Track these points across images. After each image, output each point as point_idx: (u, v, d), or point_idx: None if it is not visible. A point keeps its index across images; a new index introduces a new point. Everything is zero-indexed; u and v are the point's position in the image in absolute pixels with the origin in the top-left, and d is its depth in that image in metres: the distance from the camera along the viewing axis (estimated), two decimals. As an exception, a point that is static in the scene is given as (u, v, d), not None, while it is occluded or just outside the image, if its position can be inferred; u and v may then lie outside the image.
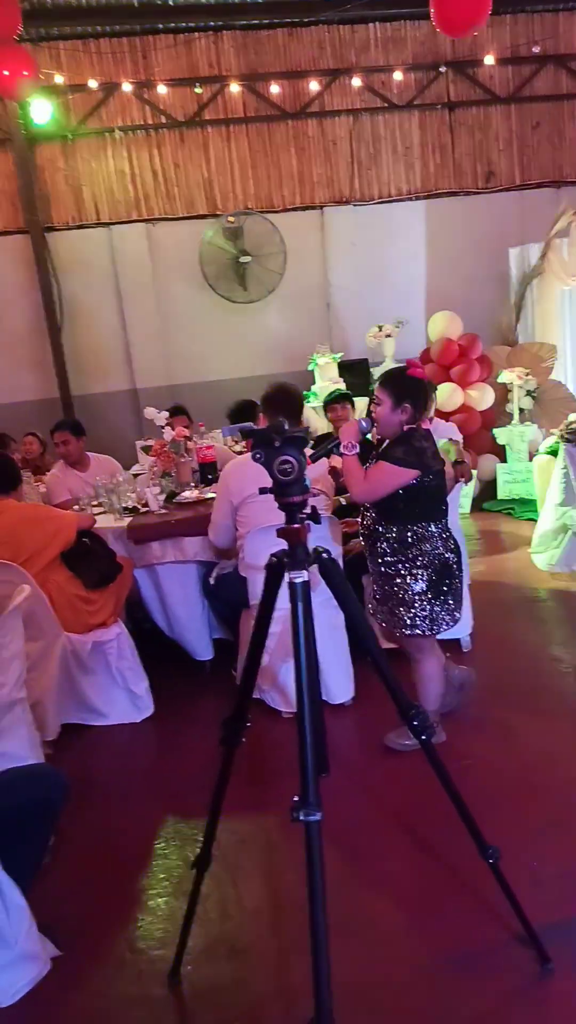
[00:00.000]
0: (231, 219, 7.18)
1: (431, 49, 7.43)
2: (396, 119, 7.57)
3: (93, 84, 6.84)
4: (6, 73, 5.04)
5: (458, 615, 2.86)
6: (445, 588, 2.78)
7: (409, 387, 2.70)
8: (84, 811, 2.75)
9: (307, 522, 1.55)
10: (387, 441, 2.77)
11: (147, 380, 7.45)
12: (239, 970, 2.02)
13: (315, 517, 1.56)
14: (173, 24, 6.90)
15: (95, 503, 4.18)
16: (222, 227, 7.18)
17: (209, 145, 7.37)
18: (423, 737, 1.70)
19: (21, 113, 6.67)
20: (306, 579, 1.53)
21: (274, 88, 7.18)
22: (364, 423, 2.77)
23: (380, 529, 2.78)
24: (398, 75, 7.29)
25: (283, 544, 1.55)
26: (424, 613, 2.77)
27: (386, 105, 7.48)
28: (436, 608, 2.77)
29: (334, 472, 3.25)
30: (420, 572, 2.74)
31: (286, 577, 1.54)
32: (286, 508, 1.54)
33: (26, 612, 2.65)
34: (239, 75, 7.12)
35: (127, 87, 6.90)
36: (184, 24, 6.93)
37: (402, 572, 2.75)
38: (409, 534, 2.73)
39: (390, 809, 2.64)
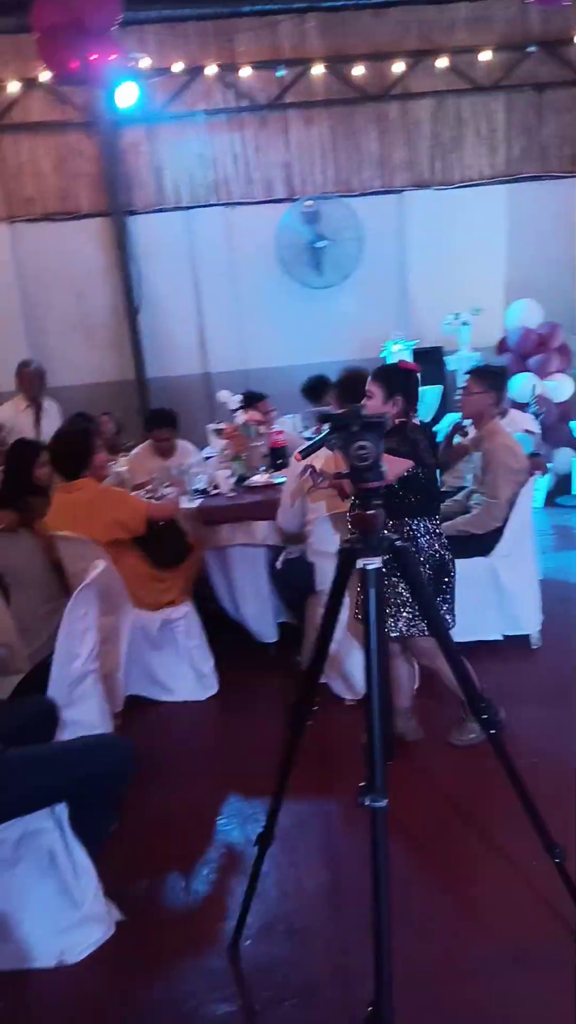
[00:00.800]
0: (309, 203, 7.14)
1: (520, 29, 7.18)
2: (481, 101, 7.37)
3: (178, 68, 6.88)
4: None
5: (453, 617, 2.81)
6: (443, 586, 2.76)
7: (400, 380, 2.70)
8: (148, 783, 2.82)
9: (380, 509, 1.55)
10: None
11: (220, 364, 7.50)
12: (296, 949, 2.04)
13: (390, 504, 1.56)
14: (259, 7, 6.87)
15: (167, 484, 4.25)
16: (300, 211, 7.14)
17: (289, 128, 7.33)
18: (492, 731, 1.68)
19: (107, 97, 6.77)
20: (379, 566, 1.52)
21: (357, 70, 7.08)
22: None
23: None
24: (485, 55, 7.09)
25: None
26: (412, 611, 2.72)
27: (471, 87, 7.28)
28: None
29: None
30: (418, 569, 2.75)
31: (358, 563, 1.55)
32: (361, 494, 1.54)
33: (100, 587, 2.73)
34: (322, 57, 7.05)
35: (211, 70, 6.91)
36: (269, 7, 6.88)
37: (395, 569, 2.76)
38: (405, 529, 2.72)
39: (452, 800, 2.63)
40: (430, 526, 2.74)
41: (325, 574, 2.83)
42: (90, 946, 2.04)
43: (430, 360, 6.64)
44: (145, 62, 6.82)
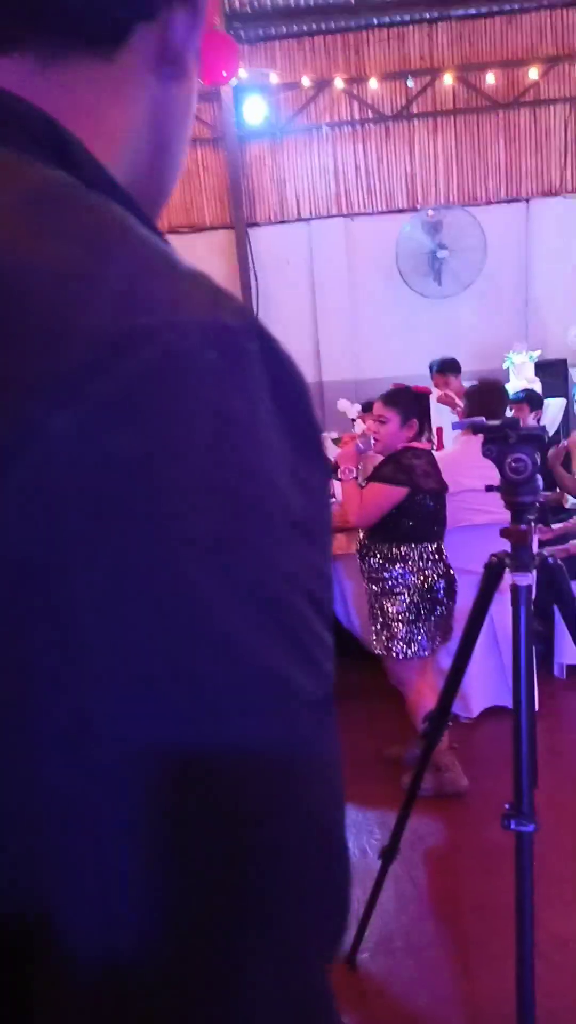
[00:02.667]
0: (431, 212, 7.07)
1: None
2: (618, 105, 7.11)
3: (306, 82, 6.98)
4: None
5: (436, 644, 2.77)
6: (424, 613, 2.71)
7: (417, 404, 2.72)
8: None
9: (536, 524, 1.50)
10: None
11: (333, 373, 7.53)
12: (415, 968, 2.00)
13: (545, 519, 1.51)
14: (388, 19, 6.89)
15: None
16: (421, 221, 7.09)
17: (414, 139, 7.29)
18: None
19: (236, 113, 6.95)
20: (530, 582, 1.48)
21: (489, 78, 6.97)
22: (361, 444, 2.80)
23: (370, 544, 2.75)
24: (624, 58, 6.83)
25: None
26: (400, 635, 2.68)
27: (607, 91, 7.04)
28: (413, 631, 2.70)
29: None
30: (402, 592, 2.68)
31: (506, 579, 1.51)
32: (514, 508, 1.50)
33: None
34: (452, 66, 6.98)
35: (339, 84, 6.98)
36: (399, 18, 6.89)
37: (385, 590, 2.70)
38: (396, 551, 2.68)
39: (577, 830, 2.52)
40: (426, 552, 2.70)
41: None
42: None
43: (554, 373, 6.44)
44: (273, 78, 6.97)
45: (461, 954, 2.03)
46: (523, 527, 1.49)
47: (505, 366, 6.40)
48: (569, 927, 2.10)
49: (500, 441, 1.47)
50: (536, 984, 1.80)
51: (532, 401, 4.75)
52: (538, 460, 1.47)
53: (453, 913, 2.19)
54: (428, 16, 6.90)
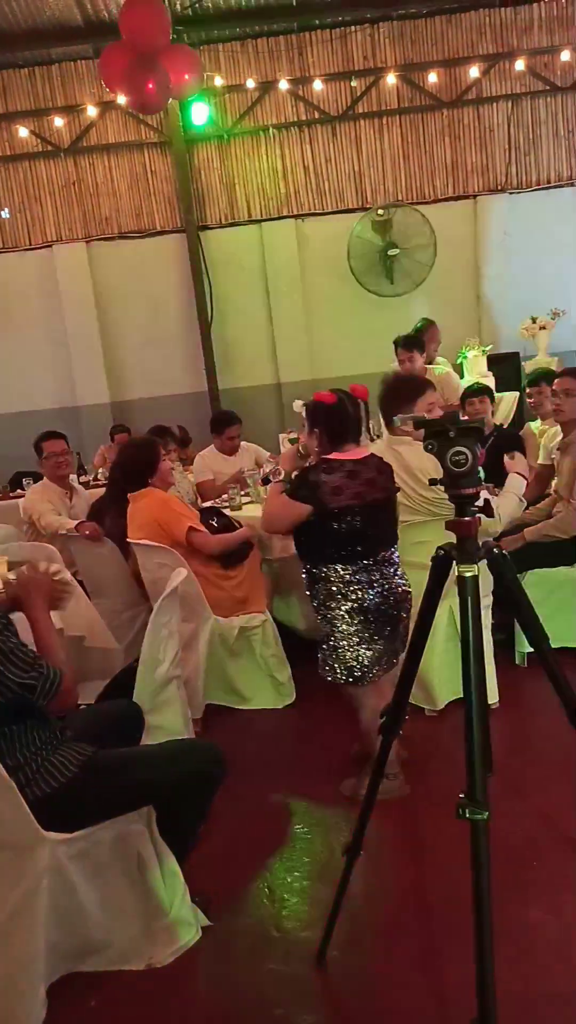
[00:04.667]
0: (380, 212, 7.13)
1: (599, 26, 7.04)
2: (558, 102, 7.25)
3: (250, 84, 6.99)
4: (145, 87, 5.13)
5: (385, 666, 2.54)
6: (365, 636, 2.51)
7: (317, 413, 2.53)
8: (230, 790, 2.81)
9: (479, 515, 1.52)
10: None
11: (291, 374, 7.55)
12: (386, 962, 2.01)
13: (488, 510, 1.53)
14: (330, 19, 6.93)
15: (244, 493, 4.30)
16: (371, 220, 7.14)
17: (361, 138, 7.35)
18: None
19: (182, 116, 6.93)
20: (476, 573, 1.49)
21: (431, 77, 7.05)
22: (303, 449, 2.66)
23: (299, 558, 2.64)
24: (565, 55, 6.96)
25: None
26: (332, 657, 2.55)
27: (548, 88, 7.16)
28: (353, 655, 2.52)
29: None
30: (327, 614, 2.53)
31: (453, 570, 1.52)
32: (458, 500, 1.51)
33: (180, 594, 2.76)
34: (395, 66, 7.05)
35: (283, 85, 7.00)
36: (341, 19, 6.94)
37: (319, 610, 2.58)
38: (315, 571, 2.53)
39: (547, 812, 2.55)
40: (347, 574, 2.50)
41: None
42: (178, 950, 2.05)
43: (507, 366, 6.52)
44: (218, 80, 6.96)
45: (430, 946, 2.04)
46: (467, 519, 1.50)
47: (459, 361, 6.47)
48: (535, 912, 2.12)
49: (440, 435, 1.49)
50: (504, 969, 1.81)
51: (490, 393, 4.81)
52: (478, 453, 1.49)
53: (422, 906, 2.20)
54: (370, 16, 6.95)
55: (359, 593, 2.50)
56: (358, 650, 2.52)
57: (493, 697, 3.31)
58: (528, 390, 4.63)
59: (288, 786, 2.93)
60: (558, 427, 3.90)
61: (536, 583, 3.63)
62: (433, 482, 1.55)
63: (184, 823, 2.06)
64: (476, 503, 1.51)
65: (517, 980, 1.87)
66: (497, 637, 3.38)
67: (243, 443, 5.12)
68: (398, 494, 2.70)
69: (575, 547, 3.59)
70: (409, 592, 2.59)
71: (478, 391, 4.77)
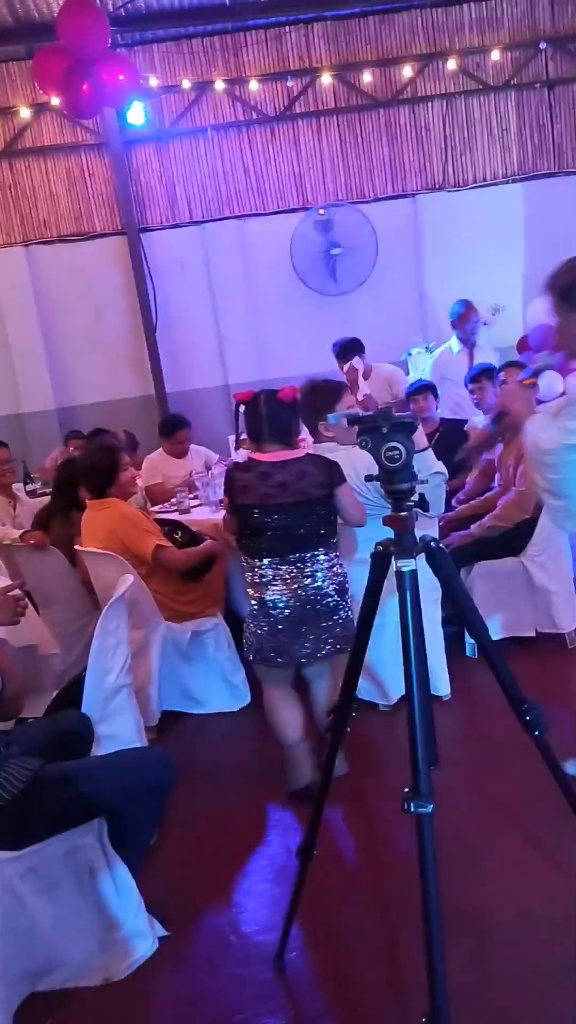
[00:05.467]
0: (322, 211, 7.15)
1: (529, 26, 7.17)
2: (491, 101, 7.35)
3: (186, 84, 6.95)
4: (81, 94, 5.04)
5: (281, 658, 2.60)
6: (256, 623, 2.62)
7: (235, 411, 2.59)
8: (186, 796, 2.80)
9: (415, 510, 1.53)
10: None
11: (239, 376, 7.52)
12: (345, 960, 2.01)
13: (423, 505, 1.54)
14: (264, 20, 6.92)
15: (192, 496, 4.27)
16: (313, 220, 7.16)
17: (299, 138, 7.36)
18: (535, 732, 1.64)
19: (118, 118, 6.85)
20: (414, 567, 1.50)
21: (365, 77, 7.10)
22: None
23: None
24: (495, 55, 7.07)
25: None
26: (250, 637, 2.66)
27: (481, 87, 7.27)
28: (248, 634, 2.67)
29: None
30: (246, 590, 2.71)
31: (392, 566, 1.52)
32: (394, 495, 1.52)
33: (129, 601, 2.72)
34: (330, 66, 7.08)
35: (219, 85, 6.97)
36: (275, 19, 6.94)
37: None
38: (241, 562, 2.71)
39: (498, 804, 2.58)
40: (255, 567, 2.60)
41: (353, 580, 2.78)
42: (134, 963, 2.02)
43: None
44: (153, 81, 6.90)
45: (389, 941, 2.05)
46: (403, 514, 1.51)
47: (403, 358, 6.54)
48: (486, 900, 2.15)
49: (374, 431, 1.49)
50: (462, 959, 1.83)
51: (433, 390, 4.88)
52: (412, 448, 1.50)
53: (379, 902, 2.21)
54: (304, 17, 6.97)
55: (262, 588, 2.59)
56: (256, 633, 2.62)
57: (445, 690, 3.35)
58: (470, 385, 4.70)
59: (245, 788, 2.92)
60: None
61: (485, 575, 3.69)
62: (369, 478, 1.56)
63: (136, 833, 2.04)
64: (412, 498, 1.52)
65: (472, 970, 1.89)
66: (448, 630, 3.42)
67: (192, 446, 5.10)
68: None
69: (520, 537, 3.65)
70: (330, 597, 2.58)
71: (421, 388, 4.84)
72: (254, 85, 7.01)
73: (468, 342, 5.61)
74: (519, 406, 2.17)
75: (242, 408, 2.58)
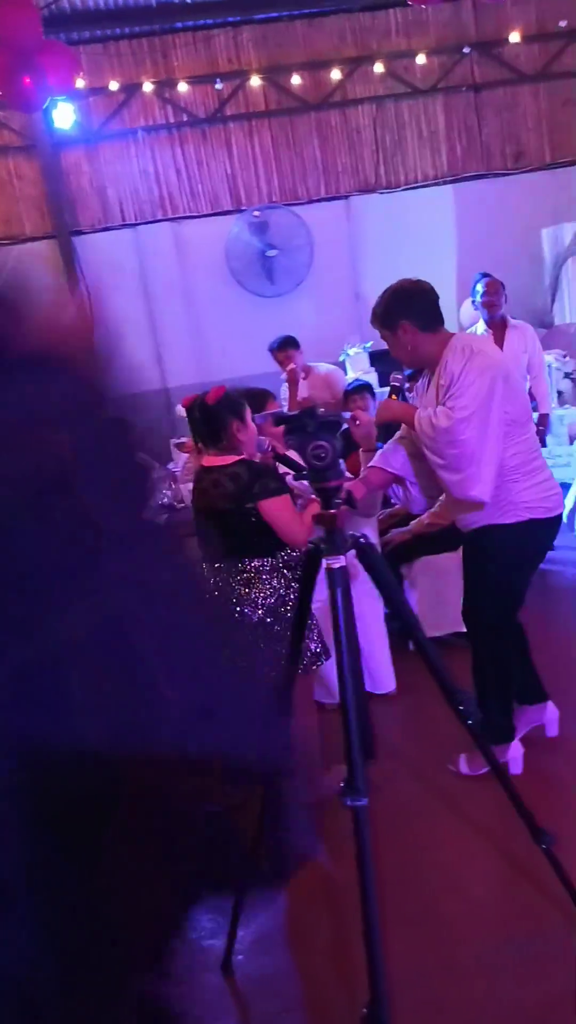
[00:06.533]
0: (256, 213, 7.16)
1: (455, 31, 7.30)
2: (420, 104, 7.47)
3: (114, 86, 6.88)
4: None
5: None
6: None
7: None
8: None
9: (344, 507, 1.54)
10: None
11: (178, 379, 7.47)
12: (294, 959, 2.02)
13: (351, 502, 1.55)
14: (192, 22, 6.90)
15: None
16: (247, 222, 7.16)
17: (232, 141, 7.35)
18: (469, 722, 1.67)
19: (46, 119, 6.74)
20: (343, 564, 1.51)
21: (295, 80, 7.13)
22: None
23: None
24: (421, 59, 7.19)
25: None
26: None
27: (410, 90, 7.38)
28: None
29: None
30: None
31: (323, 564, 1.53)
32: (321, 493, 1.53)
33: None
34: (259, 69, 7.09)
35: (148, 87, 6.92)
36: (203, 21, 6.92)
37: None
38: None
39: (443, 796, 2.62)
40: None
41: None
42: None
43: (388, 361, 6.66)
44: (80, 83, 6.81)
45: (335, 937, 2.06)
46: (332, 512, 1.52)
47: (341, 359, 6.58)
48: (432, 890, 2.18)
49: (300, 431, 1.50)
50: (402, 947, 1.85)
51: (370, 390, 4.93)
52: (338, 446, 1.51)
53: (326, 900, 2.22)
54: (232, 20, 6.97)
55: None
56: None
57: (391, 685, 3.39)
58: (408, 384, 4.75)
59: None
60: None
61: (426, 570, 3.74)
62: (297, 477, 1.56)
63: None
64: (339, 495, 1.53)
65: (418, 959, 1.91)
66: (395, 625, 3.45)
67: None
68: None
69: (460, 532, 3.71)
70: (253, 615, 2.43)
71: (358, 388, 4.89)
72: (183, 87, 6.98)
73: (502, 320, 5.03)
74: (399, 411, 2.54)
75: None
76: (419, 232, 7.42)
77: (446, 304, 7.36)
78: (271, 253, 7.20)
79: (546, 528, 2.45)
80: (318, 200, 7.47)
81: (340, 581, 1.49)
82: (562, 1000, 1.77)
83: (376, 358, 6.62)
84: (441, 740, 2.92)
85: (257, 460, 2.51)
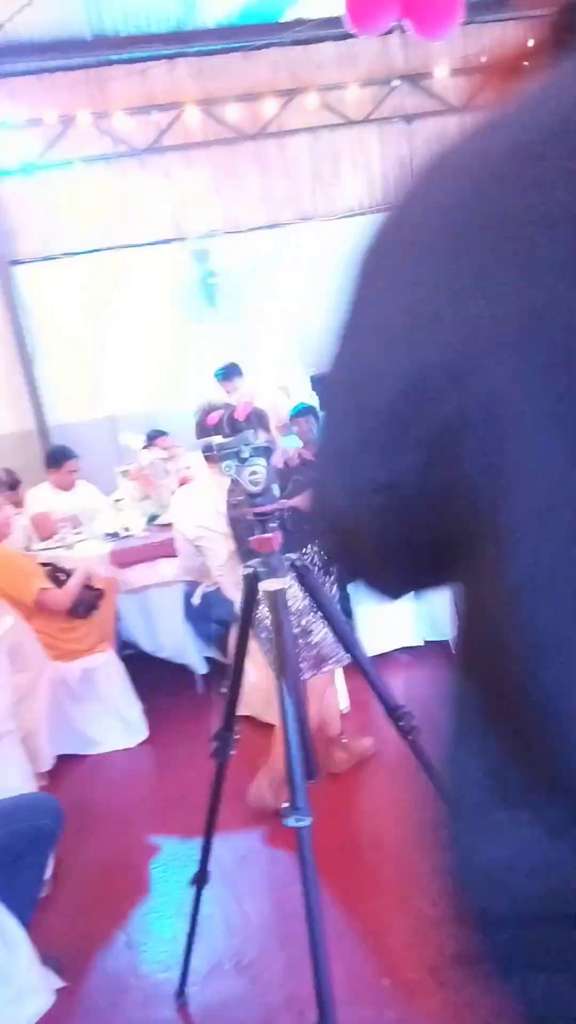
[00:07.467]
0: (198, 241, 7.23)
1: (384, 64, 7.54)
2: (355, 134, 7.67)
3: (51, 118, 6.90)
4: None
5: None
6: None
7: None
8: (83, 840, 2.73)
9: (279, 531, 1.57)
10: None
11: (124, 407, 7.46)
12: (246, 985, 2.00)
13: (286, 526, 1.58)
14: (127, 55, 6.98)
15: (76, 531, 4.19)
16: (189, 250, 7.23)
17: (171, 170, 7.43)
18: (408, 737, 1.70)
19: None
20: (282, 587, 1.54)
21: (232, 111, 7.26)
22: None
23: None
24: (353, 91, 7.40)
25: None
26: None
27: (344, 121, 7.58)
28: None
29: None
30: None
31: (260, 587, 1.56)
32: (258, 518, 1.56)
33: (12, 643, 2.65)
34: (196, 100, 7.20)
35: (85, 119, 6.96)
36: (138, 54, 7.00)
37: None
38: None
39: (391, 813, 2.64)
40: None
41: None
42: (30, 1020, 1.94)
43: (331, 385, 6.76)
44: (17, 114, 6.82)
45: (288, 961, 2.06)
46: (268, 536, 1.55)
47: (284, 384, 6.66)
48: (381, 909, 2.19)
49: (235, 456, 1.53)
50: (351, 967, 1.86)
51: (315, 413, 5.01)
52: (272, 471, 1.55)
53: (279, 922, 2.21)
54: (166, 52, 7.07)
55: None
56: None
57: (344, 703, 3.41)
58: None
59: (143, 826, 2.87)
60: None
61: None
62: (231, 504, 1.59)
63: (22, 884, 1.96)
64: (274, 519, 1.56)
65: (365, 979, 1.92)
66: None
67: (79, 481, 4.99)
68: None
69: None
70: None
71: (303, 411, 4.97)
72: (121, 118, 7.04)
73: None
74: None
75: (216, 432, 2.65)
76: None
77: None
78: (213, 281, 7.27)
79: None
80: (258, 228, 7.58)
81: (280, 603, 1.52)
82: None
83: (318, 382, 6.70)
84: (391, 757, 2.96)
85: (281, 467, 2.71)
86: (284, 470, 2.61)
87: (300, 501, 2.59)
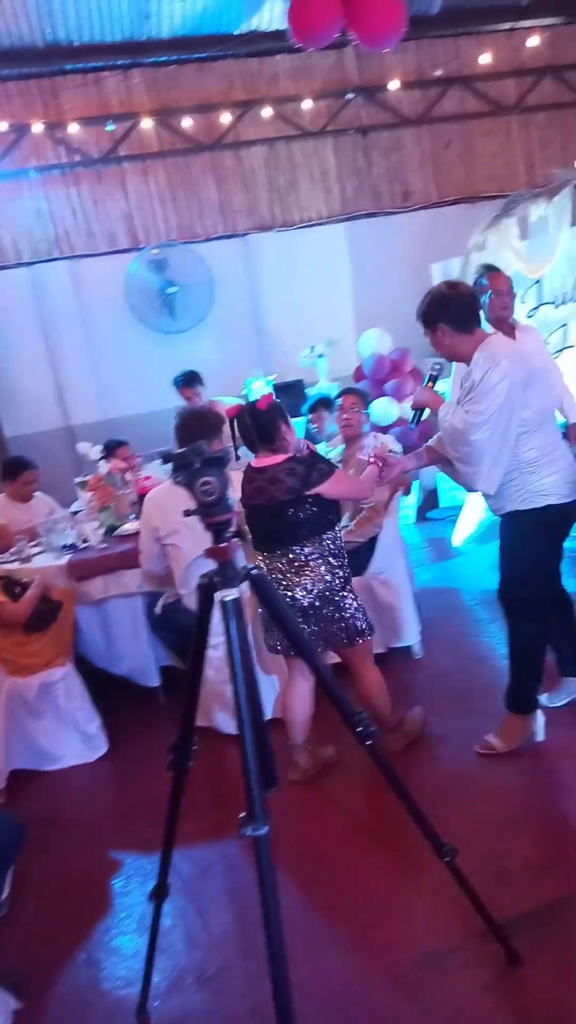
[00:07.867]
0: (155, 251, 7.22)
1: (339, 76, 7.64)
2: (311, 146, 7.74)
3: (3, 126, 6.83)
4: None
5: (279, 645, 2.82)
6: (261, 614, 2.94)
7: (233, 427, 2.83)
8: (43, 857, 2.68)
9: (235, 540, 1.57)
10: None
11: (82, 416, 7.39)
12: (209, 998, 1.99)
13: (241, 535, 1.58)
14: (81, 64, 6.95)
15: (33, 544, 4.13)
16: (146, 260, 7.21)
17: (127, 180, 7.41)
18: (368, 743, 1.71)
19: None
20: (237, 597, 1.54)
21: (187, 122, 7.28)
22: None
23: None
24: (308, 103, 7.47)
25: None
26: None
27: (300, 133, 7.64)
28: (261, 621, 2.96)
29: None
30: None
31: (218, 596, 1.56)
32: (212, 528, 1.56)
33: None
34: (151, 111, 7.20)
35: (38, 128, 6.91)
36: (92, 64, 6.98)
37: None
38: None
39: (350, 819, 2.65)
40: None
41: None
42: (-14, 1044, 1.90)
43: (292, 393, 6.79)
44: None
45: (253, 973, 2.05)
46: (222, 545, 1.55)
47: (244, 392, 6.66)
48: (342, 917, 2.19)
49: (187, 467, 1.53)
50: (311, 975, 1.86)
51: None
52: (226, 481, 1.55)
53: (242, 933, 2.20)
54: (121, 63, 7.06)
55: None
56: (263, 617, 2.89)
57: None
58: (309, 416, 4.88)
59: (104, 841, 2.83)
60: (341, 447, 4.13)
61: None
62: (188, 513, 1.59)
63: (-23, 904, 1.93)
64: (230, 529, 1.56)
65: (327, 987, 1.92)
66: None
67: (37, 492, 4.92)
68: None
69: (361, 557, 3.79)
70: (310, 595, 2.69)
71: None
72: (75, 128, 7.01)
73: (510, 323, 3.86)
74: (428, 399, 2.84)
75: (235, 423, 2.76)
76: (315, 268, 7.64)
77: (347, 337, 7.61)
78: (171, 290, 7.26)
79: (563, 512, 2.64)
80: (216, 238, 7.60)
81: (234, 613, 1.52)
82: (470, 1009, 1.81)
83: (280, 390, 6.73)
84: (352, 763, 2.96)
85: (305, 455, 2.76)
86: (306, 458, 2.68)
87: (324, 489, 2.65)
